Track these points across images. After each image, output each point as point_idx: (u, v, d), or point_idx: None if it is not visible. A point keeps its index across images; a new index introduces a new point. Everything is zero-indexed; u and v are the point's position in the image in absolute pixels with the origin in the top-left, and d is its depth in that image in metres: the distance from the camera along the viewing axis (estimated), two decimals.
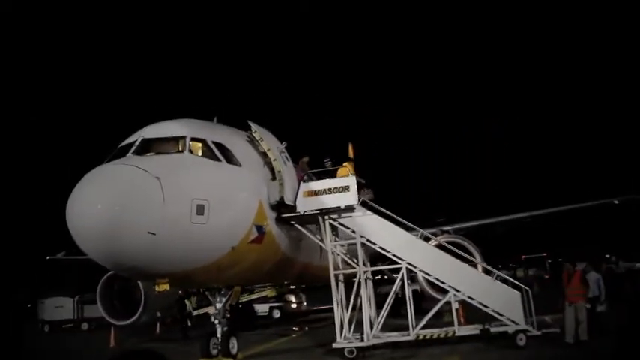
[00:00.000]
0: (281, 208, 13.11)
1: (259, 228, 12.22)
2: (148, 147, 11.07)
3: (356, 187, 13.33)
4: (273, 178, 12.99)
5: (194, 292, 22.74)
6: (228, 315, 14.05)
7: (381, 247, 13.54)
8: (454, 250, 14.32)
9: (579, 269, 13.29)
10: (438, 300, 14.27)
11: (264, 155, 13.19)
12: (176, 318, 25.18)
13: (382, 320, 13.63)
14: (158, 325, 25.00)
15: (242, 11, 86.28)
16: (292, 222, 13.66)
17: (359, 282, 13.67)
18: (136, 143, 11.07)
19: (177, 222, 9.97)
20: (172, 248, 10.10)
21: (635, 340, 10.76)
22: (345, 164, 14.08)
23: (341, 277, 14.16)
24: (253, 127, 13.51)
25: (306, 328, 22.81)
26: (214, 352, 13.68)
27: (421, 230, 14.94)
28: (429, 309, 13.71)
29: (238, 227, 11.57)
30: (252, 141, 13.44)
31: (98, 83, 77.73)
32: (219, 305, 13.82)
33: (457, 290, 13.12)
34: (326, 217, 13.60)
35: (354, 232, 13.61)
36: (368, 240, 13.55)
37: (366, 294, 13.90)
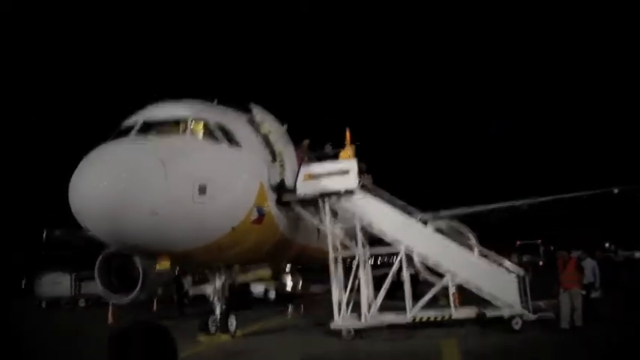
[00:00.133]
0: (281, 189, 13.22)
1: (260, 209, 12.32)
2: (151, 127, 11.09)
3: (357, 170, 13.42)
4: (274, 160, 13.07)
5: (191, 271, 22.98)
6: (227, 294, 14.27)
7: (380, 230, 13.67)
8: (452, 234, 14.50)
9: (574, 256, 13.45)
10: (434, 284, 14.47)
11: (265, 137, 13.25)
12: (171, 296, 25.41)
13: (379, 302, 13.79)
14: (155, 302, 25.16)
15: (242, 10, 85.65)
16: (292, 204, 13.76)
17: (357, 264, 13.83)
18: (139, 123, 11.09)
19: (179, 202, 10.04)
20: (174, 228, 10.19)
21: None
22: (347, 147, 14.14)
23: (339, 259, 14.32)
24: (255, 109, 13.55)
25: (302, 308, 23.03)
26: (213, 329, 13.93)
27: (420, 214, 15.07)
28: (424, 292, 13.86)
29: (239, 208, 11.67)
30: (253, 123, 13.48)
31: (99, 62, 77.14)
32: (218, 284, 14.04)
33: (454, 274, 13.28)
34: (326, 200, 13.70)
35: (353, 214, 13.72)
36: (367, 223, 13.66)
37: (365, 276, 14.07)
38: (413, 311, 13.39)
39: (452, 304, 13.38)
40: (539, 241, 45.59)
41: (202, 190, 10.36)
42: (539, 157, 77.65)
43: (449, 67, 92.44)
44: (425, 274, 16.42)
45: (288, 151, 13.40)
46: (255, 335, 15.09)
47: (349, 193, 13.50)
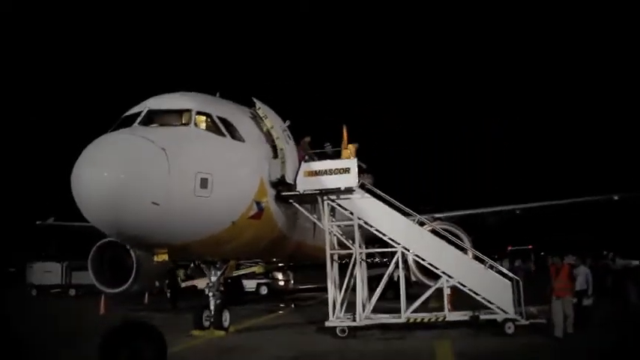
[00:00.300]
0: (280, 186, 13.22)
1: (259, 204, 12.35)
2: (153, 118, 11.10)
3: (357, 169, 13.44)
4: (275, 156, 13.08)
5: (185, 265, 22.96)
6: (222, 288, 14.27)
7: (377, 230, 13.70)
8: (448, 236, 14.57)
9: (566, 263, 13.50)
10: (427, 285, 14.55)
11: (266, 132, 13.26)
12: (162, 289, 25.38)
13: (374, 302, 13.82)
14: (146, 294, 25.12)
15: (242, 10, 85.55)
16: (291, 200, 13.78)
17: (354, 263, 13.87)
18: (142, 114, 11.08)
19: (181, 194, 10.06)
20: (175, 220, 10.20)
21: None
22: (349, 146, 14.17)
23: (336, 257, 14.35)
24: (258, 103, 13.56)
25: (293, 305, 23.06)
26: (207, 324, 13.92)
27: (418, 216, 15.13)
28: (416, 294, 13.91)
29: (239, 202, 11.69)
30: (256, 117, 13.50)
31: (99, 54, 76.89)
32: (213, 278, 14.03)
33: (449, 276, 13.35)
34: (325, 198, 13.73)
35: (351, 213, 13.75)
36: (365, 222, 13.69)
37: (360, 275, 14.11)
38: (407, 312, 13.44)
39: (446, 306, 13.43)
40: (531, 246, 45.80)
41: (204, 183, 10.38)
42: (538, 160, 77.85)
43: (448, 67, 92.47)
44: (418, 276, 16.58)
45: (289, 148, 13.39)
46: (249, 331, 15.09)
47: (349, 191, 13.51)
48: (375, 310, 14.02)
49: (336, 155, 14.85)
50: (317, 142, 15.26)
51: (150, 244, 11.06)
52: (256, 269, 26.18)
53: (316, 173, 13.48)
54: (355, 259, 13.88)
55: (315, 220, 14.17)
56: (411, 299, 13.71)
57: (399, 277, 14.10)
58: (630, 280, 17.45)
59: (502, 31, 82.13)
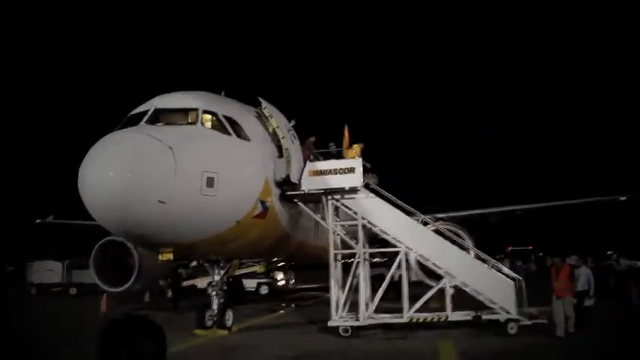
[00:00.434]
0: (285, 185, 13.26)
1: (263, 204, 12.38)
2: (160, 117, 11.13)
3: (361, 169, 13.49)
4: (280, 155, 13.12)
5: (185, 264, 22.93)
6: (225, 288, 14.29)
7: (381, 230, 13.74)
8: (451, 236, 14.61)
9: (567, 264, 13.57)
10: (429, 285, 14.58)
11: (272, 132, 13.30)
12: (162, 289, 25.36)
13: (377, 302, 13.85)
14: (147, 294, 25.10)
15: (246, 9, 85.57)
16: (295, 200, 13.82)
17: (357, 262, 13.91)
18: (149, 112, 11.10)
19: (187, 192, 10.08)
20: (181, 218, 10.23)
21: None
22: (354, 146, 14.21)
23: (339, 257, 14.39)
24: (263, 103, 13.61)
25: (293, 305, 23.08)
26: (209, 323, 13.93)
27: (422, 216, 15.17)
28: (417, 294, 13.93)
29: (245, 201, 11.72)
30: (261, 117, 13.54)
31: (102, 53, 76.78)
32: (217, 278, 14.05)
33: (452, 276, 13.39)
34: (329, 197, 13.77)
35: (356, 213, 13.79)
36: (369, 222, 13.73)
37: (363, 274, 14.14)
38: (410, 312, 13.48)
39: (448, 306, 13.46)
40: (531, 247, 45.91)
41: (210, 182, 10.41)
42: (539, 160, 77.89)
43: (448, 67, 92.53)
44: (420, 275, 16.61)
45: (294, 147, 13.43)
46: (251, 330, 15.13)
47: (353, 191, 13.56)
48: (376, 310, 14.06)
49: (340, 155, 14.91)
50: (321, 142, 15.32)
51: (156, 243, 11.07)
52: (257, 269, 26.27)
53: (321, 173, 13.53)
54: (359, 258, 13.92)
55: (320, 220, 14.20)
56: (411, 299, 13.74)
57: (400, 276, 14.14)
58: (632, 281, 17.49)
59: (503, 31, 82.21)
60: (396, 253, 13.94)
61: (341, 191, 13.60)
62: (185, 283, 25.68)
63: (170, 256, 11.32)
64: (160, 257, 11.37)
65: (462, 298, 14.09)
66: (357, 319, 13.46)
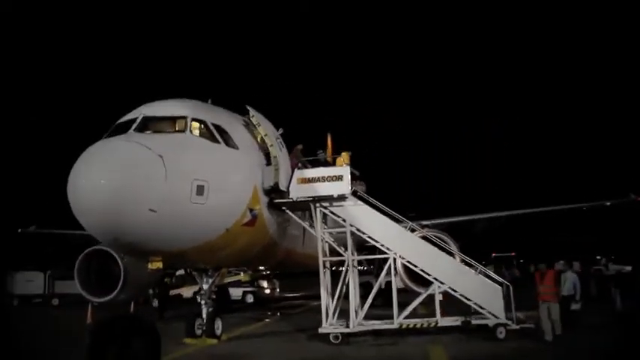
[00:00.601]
0: (273, 193, 13.25)
1: (252, 211, 12.36)
2: (149, 125, 11.08)
3: (349, 176, 13.54)
4: (268, 163, 13.12)
5: (170, 273, 22.74)
6: (214, 296, 14.24)
7: (369, 237, 13.79)
8: (438, 243, 14.73)
9: (552, 269, 13.74)
10: (416, 292, 14.65)
11: (260, 140, 13.31)
12: (147, 298, 25.11)
13: (367, 308, 13.87)
14: (132, 304, 24.85)
15: (242, 9, 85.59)
16: (283, 207, 13.82)
17: (346, 270, 13.94)
18: (138, 120, 11.05)
19: (178, 201, 10.04)
20: (171, 226, 10.17)
21: None
22: (342, 154, 14.27)
23: (328, 264, 14.41)
24: (251, 111, 13.63)
25: (279, 314, 23.02)
26: (199, 332, 13.88)
27: (410, 222, 15.26)
28: (404, 302, 14.00)
29: (234, 209, 11.70)
30: (249, 125, 13.56)
31: (89, 60, 76.19)
32: (205, 286, 14.04)
33: (441, 282, 13.48)
34: (317, 205, 13.79)
35: (344, 220, 13.83)
36: (357, 229, 13.77)
37: (353, 281, 14.18)
38: (399, 318, 13.53)
39: (438, 312, 13.54)
40: (513, 253, 46.40)
41: (200, 190, 10.38)
42: (525, 165, 78.52)
43: (445, 69, 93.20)
44: (407, 282, 16.71)
45: (282, 155, 13.44)
46: (241, 339, 15.07)
47: (341, 198, 13.59)
48: (366, 317, 14.07)
49: (328, 163, 14.95)
50: (309, 150, 15.35)
51: (146, 251, 10.98)
52: (242, 277, 26.09)
53: (309, 180, 13.55)
54: (348, 265, 13.95)
55: (308, 227, 14.22)
56: (399, 306, 13.80)
57: (387, 283, 14.19)
58: (616, 286, 17.73)
59: (502, 32, 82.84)
60: (384, 260, 14.01)
61: (329, 199, 13.62)
62: (171, 293, 25.48)
63: (159, 264, 11.25)
64: (150, 266, 11.29)
65: (451, 304, 14.18)
66: (348, 326, 13.47)
